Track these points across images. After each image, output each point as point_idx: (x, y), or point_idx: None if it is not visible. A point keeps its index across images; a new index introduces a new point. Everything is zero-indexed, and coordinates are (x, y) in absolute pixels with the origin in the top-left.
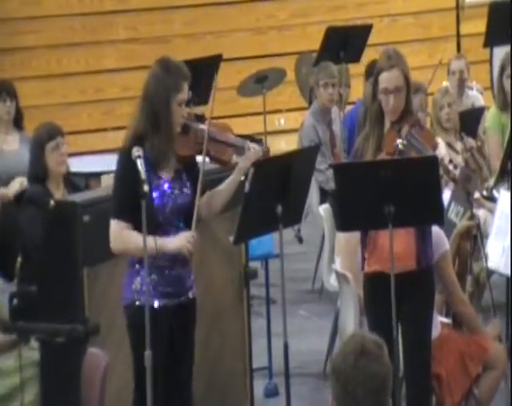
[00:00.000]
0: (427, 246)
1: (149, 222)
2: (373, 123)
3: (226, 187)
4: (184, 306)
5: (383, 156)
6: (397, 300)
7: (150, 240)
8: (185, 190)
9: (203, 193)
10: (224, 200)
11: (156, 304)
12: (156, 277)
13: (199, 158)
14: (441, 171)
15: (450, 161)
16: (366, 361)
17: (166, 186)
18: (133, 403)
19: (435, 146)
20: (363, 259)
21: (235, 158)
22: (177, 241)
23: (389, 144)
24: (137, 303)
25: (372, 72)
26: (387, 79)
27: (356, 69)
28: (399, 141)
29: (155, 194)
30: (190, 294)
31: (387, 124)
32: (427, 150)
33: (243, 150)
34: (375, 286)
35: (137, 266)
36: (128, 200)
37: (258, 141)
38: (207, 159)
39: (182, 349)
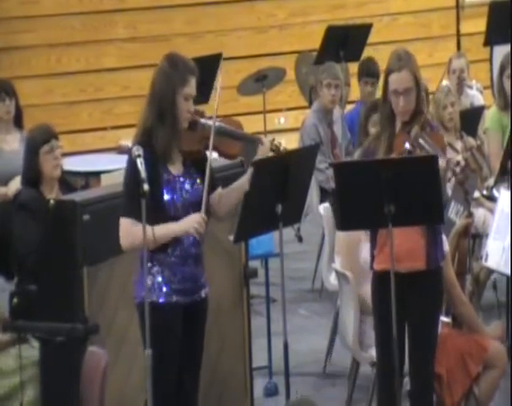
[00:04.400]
0: (438, 247)
1: (160, 218)
2: (384, 124)
3: (240, 185)
4: (196, 305)
5: (394, 156)
6: (405, 299)
7: (158, 229)
8: (196, 185)
9: (214, 188)
10: (236, 198)
11: (169, 301)
12: (169, 274)
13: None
14: (449, 173)
15: (458, 163)
16: None
17: (176, 181)
18: (146, 403)
19: (445, 148)
20: (372, 257)
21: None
22: (185, 223)
23: (399, 145)
24: (149, 300)
25: (364, 71)
26: (397, 80)
27: (356, 68)
28: (407, 144)
29: (165, 190)
30: (203, 293)
31: (398, 125)
32: (437, 152)
33: (253, 144)
34: (383, 284)
35: (148, 264)
36: (137, 197)
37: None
38: (216, 154)
39: (191, 349)
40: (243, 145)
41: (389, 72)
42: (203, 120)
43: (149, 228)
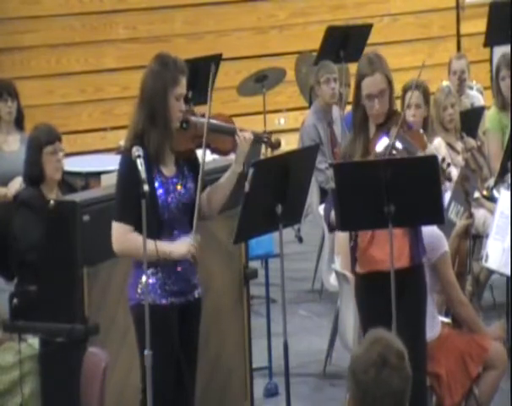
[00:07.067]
0: (419, 243)
1: (155, 220)
2: (358, 129)
3: (225, 180)
4: (190, 305)
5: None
6: (390, 300)
7: (152, 246)
8: (188, 185)
9: (204, 189)
10: (224, 194)
11: (164, 302)
12: (163, 276)
13: (200, 151)
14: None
15: (443, 159)
16: (387, 375)
17: (169, 182)
18: (141, 404)
19: (425, 146)
20: (354, 260)
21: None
22: (180, 248)
23: (375, 148)
24: (143, 302)
25: None
26: (370, 84)
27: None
28: (388, 143)
29: (159, 192)
30: (196, 293)
31: (372, 128)
32: (417, 150)
33: (232, 136)
34: (369, 286)
35: (142, 266)
36: (131, 201)
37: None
38: (209, 151)
39: (186, 349)
40: (236, 141)
41: (361, 77)
42: (194, 118)
43: (151, 242)
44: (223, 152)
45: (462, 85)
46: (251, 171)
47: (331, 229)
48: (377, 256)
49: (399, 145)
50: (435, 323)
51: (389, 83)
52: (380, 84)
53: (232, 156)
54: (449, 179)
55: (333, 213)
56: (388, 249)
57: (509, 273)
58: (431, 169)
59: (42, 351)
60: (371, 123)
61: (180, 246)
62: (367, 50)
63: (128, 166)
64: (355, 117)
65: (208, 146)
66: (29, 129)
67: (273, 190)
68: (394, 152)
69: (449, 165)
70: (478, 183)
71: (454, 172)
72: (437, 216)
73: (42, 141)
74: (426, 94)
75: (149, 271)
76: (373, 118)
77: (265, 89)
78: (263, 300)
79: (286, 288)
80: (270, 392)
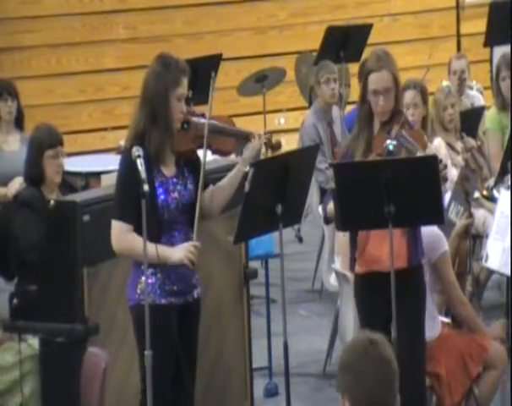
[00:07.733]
0: (418, 244)
1: (155, 220)
2: (363, 124)
3: (230, 180)
4: (189, 306)
5: (373, 156)
6: (389, 300)
7: (153, 249)
8: (188, 186)
9: (206, 188)
10: (229, 193)
11: (163, 302)
12: (162, 276)
13: (201, 152)
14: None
15: (440, 160)
16: (376, 349)
17: (169, 183)
18: (141, 404)
19: (425, 146)
20: (354, 260)
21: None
22: (179, 253)
23: (379, 145)
24: (142, 303)
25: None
26: (376, 80)
27: (357, 69)
28: (388, 142)
29: (159, 192)
30: (195, 294)
31: (376, 125)
32: (418, 150)
33: (246, 139)
34: (368, 286)
35: (142, 266)
36: (131, 200)
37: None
38: (209, 152)
39: (186, 349)
40: (237, 142)
41: (368, 72)
42: (195, 119)
43: (152, 246)
44: (224, 153)
45: (462, 85)
46: (251, 171)
47: (327, 222)
48: (373, 256)
49: (400, 144)
50: (435, 323)
51: (396, 81)
52: (386, 81)
53: (233, 157)
54: (445, 180)
55: (329, 205)
56: (383, 249)
57: (509, 273)
58: (431, 169)
59: (42, 351)
60: (375, 120)
61: (177, 251)
62: (367, 50)
63: (128, 166)
64: (360, 113)
65: (209, 147)
66: (30, 129)
67: (273, 190)
68: (391, 150)
69: (445, 166)
70: (478, 183)
71: (454, 172)
72: (437, 216)
73: (44, 144)
74: (424, 93)
75: (149, 271)
76: (377, 115)
77: (265, 89)
78: (263, 300)
79: (286, 288)
80: (270, 392)
